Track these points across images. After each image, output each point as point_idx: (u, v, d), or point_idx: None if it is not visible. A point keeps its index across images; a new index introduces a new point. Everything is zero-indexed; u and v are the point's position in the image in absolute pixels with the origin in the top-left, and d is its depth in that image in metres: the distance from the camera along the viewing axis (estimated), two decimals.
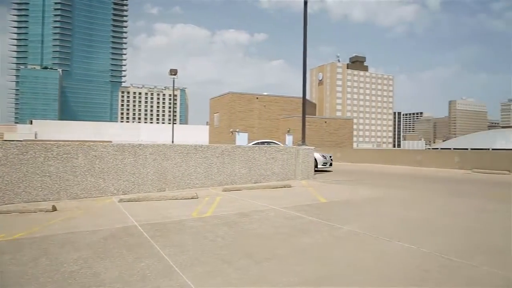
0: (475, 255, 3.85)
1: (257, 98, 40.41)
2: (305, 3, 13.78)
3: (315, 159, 15.28)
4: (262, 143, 17.90)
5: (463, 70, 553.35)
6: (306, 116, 14.78)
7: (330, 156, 16.86)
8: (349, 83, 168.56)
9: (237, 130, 37.85)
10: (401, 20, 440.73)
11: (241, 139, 35.79)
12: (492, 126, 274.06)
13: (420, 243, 4.27)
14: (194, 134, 72.26)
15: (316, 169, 15.03)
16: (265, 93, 42.34)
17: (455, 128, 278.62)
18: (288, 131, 38.12)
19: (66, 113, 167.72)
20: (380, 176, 14.38)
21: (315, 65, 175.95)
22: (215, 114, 43.29)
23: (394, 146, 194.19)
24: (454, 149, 46.41)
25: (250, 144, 15.89)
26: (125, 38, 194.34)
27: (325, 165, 16.24)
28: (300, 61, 13.83)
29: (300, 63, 13.77)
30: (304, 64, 13.52)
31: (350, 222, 5.44)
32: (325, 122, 41.86)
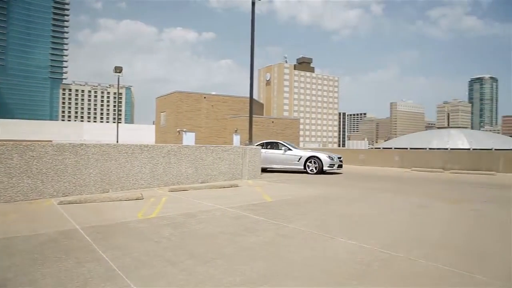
0: (413, 249, 4.06)
1: (204, 97, 40.14)
2: (253, 4, 13.88)
3: (320, 160, 14.72)
4: (268, 143, 16.37)
5: (403, 73, 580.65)
6: (254, 116, 14.91)
7: (339, 158, 15.54)
8: (296, 84, 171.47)
9: (184, 129, 37.42)
10: (346, 23, 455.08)
11: (188, 138, 35.44)
12: (429, 126, 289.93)
13: (362, 239, 4.44)
14: (140, 133, 70.45)
15: (322, 171, 14.67)
16: (213, 93, 42.15)
17: (396, 129, 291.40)
18: (236, 131, 38.20)
19: (0, 110, 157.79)
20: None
21: (263, 65, 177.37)
22: (161, 114, 42.52)
23: (339, 146, 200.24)
24: (395, 148, 48.57)
25: (255, 145, 14.07)
26: (67, 33, 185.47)
27: (332, 167, 14.93)
28: (248, 61, 13.94)
29: (248, 63, 13.88)
30: (252, 64, 13.61)
31: (295, 220, 5.55)
32: (272, 122, 42.34)
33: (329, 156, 14.87)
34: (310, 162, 14.81)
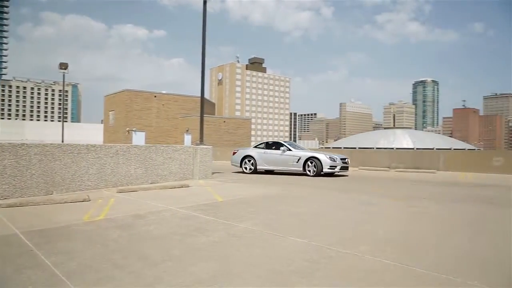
0: (360, 245, 4.20)
1: (155, 96, 39.42)
2: (205, 2, 13.78)
3: (320, 161, 13.63)
4: (271, 144, 15.46)
5: (351, 75, 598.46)
6: (205, 115, 14.80)
7: (343, 159, 14.23)
8: (248, 84, 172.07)
9: (134, 129, 36.54)
10: (298, 25, 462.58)
11: (138, 138, 34.64)
12: (376, 127, 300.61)
13: (311, 237, 4.54)
14: (87, 133, 67.94)
15: (322, 173, 13.61)
16: (164, 92, 41.48)
17: (345, 129, 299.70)
18: (187, 130, 37.81)
19: None
20: (276, 174, 14.93)
21: (215, 65, 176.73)
22: (110, 112, 41.28)
23: None
24: (344, 148, 49.97)
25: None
26: (6, 25, 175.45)
27: (333, 168, 13.62)
28: (200, 60, 13.80)
29: (200, 62, 13.73)
30: (203, 63, 13.52)
31: (246, 219, 5.58)
32: (224, 121, 42.29)
33: (330, 157, 13.76)
34: (310, 163, 13.88)
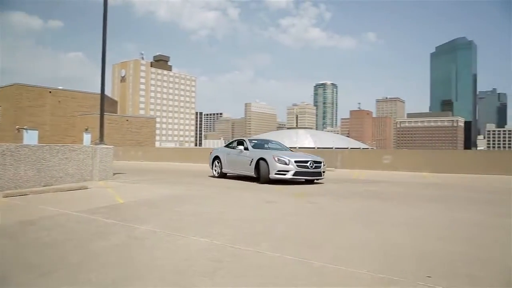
0: (262, 242, 4.30)
1: (50, 92, 36.66)
2: None
3: (267, 164, 10.97)
4: (239, 142, 13.11)
5: (257, 75, 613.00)
6: (106, 113, 14.10)
7: (316, 161, 11.19)
8: (152, 82, 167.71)
9: (25, 127, 33.57)
10: (204, 24, 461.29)
11: (30, 137, 31.91)
12: (280, 127, 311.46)
13: (214, 236, 4.56)
14: None
15: (269, 179, 10.93)
16: (60, 87, 38.74)
17: (250, 128, 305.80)
18: (86, 129, 35.74)
19: None
20: (181, 174, 14.77)
21: (118, 61, 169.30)
22: None
23: (196, 145, 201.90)
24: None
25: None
26: None
27: (283, 174, 10.69)
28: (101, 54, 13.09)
29: (101, 57, 13.01)
30: (103, 58, 12.86)
31: (148, 221, 5.43)
32: (127, 120, 40.75)
33: (279, 159, 10.82)
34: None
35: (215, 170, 13.50)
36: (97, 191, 8.96)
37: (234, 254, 3.86)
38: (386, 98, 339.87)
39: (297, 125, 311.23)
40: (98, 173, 11.29)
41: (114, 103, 49.23)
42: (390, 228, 5.15)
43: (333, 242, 4.42)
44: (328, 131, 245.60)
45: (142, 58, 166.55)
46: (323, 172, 11.39)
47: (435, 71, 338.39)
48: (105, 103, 13.66)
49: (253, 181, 11.58)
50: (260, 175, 11.15)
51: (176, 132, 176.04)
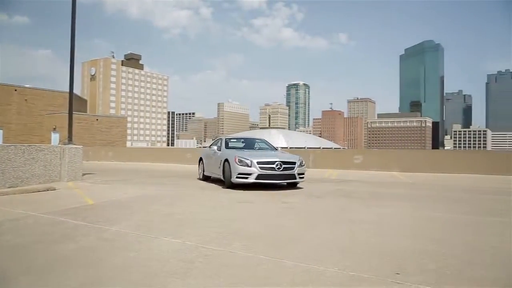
0: (234, 242, 4.31)
1: (15, 90, 35.52)
2: None
3: (229, 166, 9.59)
4: (239, 142, 12.11)
5: (230, 75, 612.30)
6: (76, 113, 13.78)
7: (278, 163, 9.38)
8: (123, 81, 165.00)
9: None
10: (177, 23, 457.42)
11: None
12: (253, 127, 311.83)
13: (186, 236, 4.53)
14: None
15: (232, 182, 9.51)
16: (28, 86, 37.63)
17: (223, 128, 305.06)
18: (54, 128, 34.85)
19: None
20: (152, 174, 14.59)
21: (88, 59, 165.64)
22: None
23: (169, 145, 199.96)
24: (203, 147, 50.88)
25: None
26: None
27: (245, 178, 9.25)
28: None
29: (69, 55, 12.67)
30: (72, 56, 12.56)
31: (118, 222, 5.34)
32: (97, 119, 39.95)
33: (240, 160, 9.40)
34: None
35: (200, 172, 12.56)
36: (66, 192, 8.76)
37: (206, 254, 3.85)
38: (357, 98, 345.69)
39: (269, 125, 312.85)
40: (66, 174, 11.02)
41: (83, 102, 48.18)
42: (361, 227, 5.24)
43: (305, 241, 4.46)
44: (300, 131, 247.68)
45: (113, 57, 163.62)
46: (300, 174, 9.80)
47: (404, 73, 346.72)
48: (74, 102, 13.35)
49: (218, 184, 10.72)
50: (225, 178, 9.91)
51: (148, 132, 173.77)
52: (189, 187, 10.28)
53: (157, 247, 4.13)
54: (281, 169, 9.37)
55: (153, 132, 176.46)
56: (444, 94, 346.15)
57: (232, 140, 12.04)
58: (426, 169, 15.14)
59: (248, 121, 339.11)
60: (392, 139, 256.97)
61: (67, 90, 13.01)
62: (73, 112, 12.86)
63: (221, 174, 10.13)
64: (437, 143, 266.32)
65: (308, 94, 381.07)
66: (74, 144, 11.86)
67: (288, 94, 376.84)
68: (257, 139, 12.80)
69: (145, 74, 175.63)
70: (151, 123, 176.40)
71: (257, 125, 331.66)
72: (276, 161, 9.41)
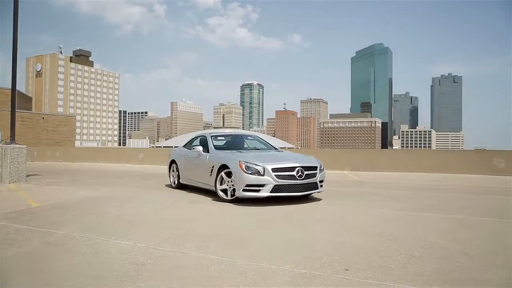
0: (186, 242, 4.26)
1: None
2: None
3: (231, 174, 7.35)
4: (231, 140, 9.94)
5: (183, 74, 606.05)
6: (19, 110, 13.10)
7: (299, 169, 7.25)
8: (72, 78, 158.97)
9: None
10: (129, 19, 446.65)
11: None
12: (207, 126, 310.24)
13: (137, 238, 4.42)
14: None
15: (233, 196, 7.32)
16: None
17: (176, 128, 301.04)
18: None
19: None
20: (104, 174, 14.14)
21: (33, 54, 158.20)
22: None
23: (120, 145, 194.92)
24: (175, 147, 50.22)
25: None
26: None
27: (256, 190, 7.04)
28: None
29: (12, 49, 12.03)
30: (15, 49, 11.94)
31: (66, 225, 5.13)
32: (43, 118, 38.24)
33: (247, 166, 7.15)
34: (225, 176, 7.62)
35: (172, 179, 10.05)
36: (8, 195, 8.31)
37: (158, 256, 3.78)
38: (310, 99, 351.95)
39: (223, 125, 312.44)
40: (8, 175, 10.46)
41: (28, 99, 45.95)
42: (313, 225, 5.33)
43: (258, 240, 4.48)
44: (254, 131, 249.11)
45: (61, 52, 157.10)
46: (321, 182, 7.83)
47: (355, 74, 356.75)
48: (18, 99, 12.69)
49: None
50: (224, 189, 7.59)
51: (98, 132, 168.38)
52: (141, 187, 10.03)
53: (106, 250, 4.00)
54: (303, 177, 7.34)
55: (104, 132, 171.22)
56: (393, 96, 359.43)
57: (219, 138, 9.73)
58: (376, 168, 15.64)
59: (202, 120, 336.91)
60: (344, 138, 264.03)
61: (9, 86, 12.35)
62: (16, 110, 12.23)
63: (214, 184, 7.80)
64: (386, 143, 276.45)
65: (262, 94, 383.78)
66: (17, 144, 11.28)
67: (242, 94, 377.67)
68: (248, 135, 10.97)
69: (96, 71, 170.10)
70: (102, 122, 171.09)
71: (211, 124, 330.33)
72: (297, 167, 7.32)
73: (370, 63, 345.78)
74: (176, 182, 9.80)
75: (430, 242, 4.38)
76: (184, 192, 8.95)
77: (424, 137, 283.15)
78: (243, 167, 7.15)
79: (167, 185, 10.26)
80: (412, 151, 43.08)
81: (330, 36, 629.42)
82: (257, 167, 7.11)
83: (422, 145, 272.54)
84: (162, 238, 4.45)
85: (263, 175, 7.07)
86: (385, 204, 7.25)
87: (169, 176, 10.20)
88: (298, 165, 7.38)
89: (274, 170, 7.13)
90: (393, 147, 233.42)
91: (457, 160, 15.10)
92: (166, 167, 10.49)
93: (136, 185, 10.52)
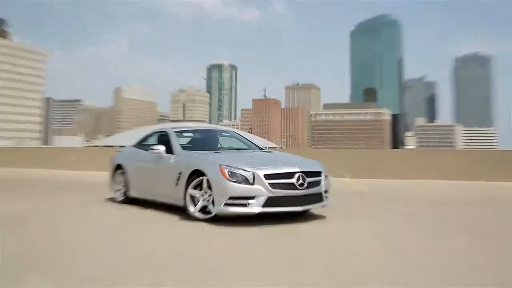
0: (142, 274, 4.02)
1: None
2: None
3: (208, 183, 7.00)
4: (201, 138, 9.71)
5: (131, 51, 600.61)
6: None
7: (299, 175, 6.96)
8: None
9: None
10: None
11: None
12: (162, 119, 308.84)
13: (64, 273, 4.17)
14: None
15: (216, 212, 6.85)
16: None
17: (121, 121, 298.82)
18: None
19: None
20: (12, 184, 13.71)
21: None
22: None
23: (46, 144, 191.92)
24: (120, 146, 49.65)
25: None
26: None
27: (243, 204, 6.75)
28: None
29: None
30: None
31: None
32: None
33: (231, 172, 6.85)
34: (197, 186, 7.25)
35: (117, 190, 9.59)
36: None
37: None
38: (298, 84, 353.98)
39: (184, 118, 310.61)
40: None
41: None
42: (312, 267, 5.17)
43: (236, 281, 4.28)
44: (225, 125, 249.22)
45: None
46: (326, 192, 7.66)
47: (356, 54, 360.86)
48: None
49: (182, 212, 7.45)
50: (200, 204, 7.16)
51: (14, 126, 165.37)
52: (68, 202, 9.74)
53: None
54: (304, 186, 7.03)
55: (22, 126, 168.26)
56: (404, 81, 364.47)
57: (185, 133, 9.49)
58: (384, 173, 15.63)
59: (156, 111, 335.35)
60: (342, 136, 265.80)
61: None
62: None
63: (182, 197, 7.35)
64: (396, 141, 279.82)
65: (236, 77, 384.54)
66: None
67: (209, 78, 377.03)
68: (223, 131, 10.75)
69: (14, 46, 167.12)
70: (20, 113, 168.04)
71: (168, 117, 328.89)
72: (296, 173, 7.05)
73: (374, 39, 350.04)
74: (123, 195, 9.39)
75: None
76: (136, 208, 8.65)
77: (445, 134, 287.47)
78: (226, 173, 6.84)
79: (108, 199, 9.87)
80: (431, 152, 43.47)
81: (322, 4, 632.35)
82: (245, 173, 6.84)
83: (443, 144, 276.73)
84: (94, 278, 4.18)
85: (252, 183, 6.79)
86: (405, 228, 7.09)
87: (113, 187, 9.84)
88: (298, 170, 7.12)
89: (267, 177, 6.86)
90: (407, 147, 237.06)
91: (488, 163, 15.25)
92: (108, 175, 10.14)
93: (63, 200, 10.21)
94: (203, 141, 9.34)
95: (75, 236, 6.08)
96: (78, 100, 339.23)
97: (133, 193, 9.09)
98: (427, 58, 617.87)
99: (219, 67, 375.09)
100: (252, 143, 9.53)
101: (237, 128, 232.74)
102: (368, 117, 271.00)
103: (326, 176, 7.66)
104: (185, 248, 5.47)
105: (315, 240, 5.88)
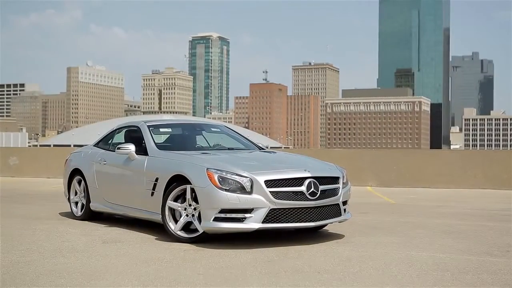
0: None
1: None
2: None
3: (193, 193, 6.92)
4: (182, 134, 9.67)
5: (88, 19, 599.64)
6: None
7: (310, 181, 6.86)
8: None
9: None
10: None
11: None
12: (131, 110, 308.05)
13: None
14: None
15: (204, 229, 6.71)
16: None
17: (77, 113, 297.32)
18: None
19: None
20: None
21: None
22: None
23: None
24: (75, 146, 49.76)
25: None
26: None
27: (239, 220, 6.71)
28: None
29: None
30: None
31: None
32: None
33: (222, 177, 6.77)
34: (179, 197, 7.26)
35: (75, 202, 9.71)
36: None
37: None
38: (310, 64, 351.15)
39: (160, 108, 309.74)
40: None
41: None
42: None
43: None
44: (214, 117, 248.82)
45: None
46: (345, 204, 7.71)
47: (386, 24, 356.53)
48: None
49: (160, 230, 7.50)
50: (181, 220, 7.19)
51: None
52: (14, 217, 9.86)
53: None
54: (317, 196, 6.96)
55: None
56: (450, 59, 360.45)
57: (162, 128, 9.54)
58: (421, 181, 15.74)
59: (123, 99, 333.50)
60: (367, 131, 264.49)
61: None
62: None
63: (160, 210, 7.35)
64: (439, 139, 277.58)
65: (228, 55, 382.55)
66: None
67: (193, 55, 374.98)
68: (211, 125, 10.91)
69: None
70: None
71: (138, 107, 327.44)
72: (307, 178, 6.98)
73: (411, 5, 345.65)
74: (82, 208, 9.44)
75: None
76: (99, 225, 8.68)
77: (504, 130, 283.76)
78: (215, 178, 6.75)
79: (64, 214, 9.94)
80: (486, 153, 42.90)
81: None
82: (240, 179, 6.78)
83: (501, 143, 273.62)
84: None
85: (250, 192, 6.70)
86: (445, 248, 7.16)
87: (69, 199, 9.85)
88: (309, 175, 7.04)
89: (269, 183, 6.78)
90: (452, 147, 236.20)
91: None
92: (63, 182, 10.18)
93: (3, 214, 10.29)
94: (186, 138, 9.44)
95: (26, 257, 6.20)
96: (20, 85, 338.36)
97: (95, 206, 9.07)
98: (480, 30, 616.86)
99: (205, 40, 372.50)
100: (249, 141, 9.59)
101: (230, 122, 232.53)
102: (402, 108, 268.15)
103: (345, 183, 7.63)
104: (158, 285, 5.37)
105: (333, 267, 5.84)
